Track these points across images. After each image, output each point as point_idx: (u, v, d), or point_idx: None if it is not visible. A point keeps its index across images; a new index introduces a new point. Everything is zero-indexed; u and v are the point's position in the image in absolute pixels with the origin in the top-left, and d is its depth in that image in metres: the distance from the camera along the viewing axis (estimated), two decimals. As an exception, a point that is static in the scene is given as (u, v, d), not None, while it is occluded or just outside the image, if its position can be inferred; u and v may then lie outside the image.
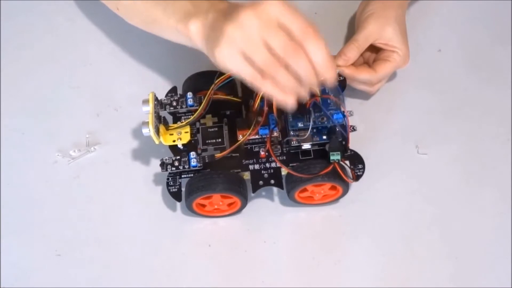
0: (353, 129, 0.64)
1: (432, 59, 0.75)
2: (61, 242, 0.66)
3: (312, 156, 0.64)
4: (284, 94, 0.53)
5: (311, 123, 0.62)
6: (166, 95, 0.67)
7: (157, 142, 0.62)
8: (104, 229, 0.67)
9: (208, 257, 0.66)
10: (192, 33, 0.56)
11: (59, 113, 0.73)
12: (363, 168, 0.63)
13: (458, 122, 0.71)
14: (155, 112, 0.62)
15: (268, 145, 0.63)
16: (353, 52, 0.66)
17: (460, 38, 0.76)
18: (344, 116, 0.62)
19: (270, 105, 0.63)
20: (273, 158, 0.62)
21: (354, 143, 0.63)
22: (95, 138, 0.71)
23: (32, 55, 0.76)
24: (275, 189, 0.67)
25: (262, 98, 0.62)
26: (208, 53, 0.55)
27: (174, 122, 0.66)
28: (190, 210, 0.65)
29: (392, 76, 0.73)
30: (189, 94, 0.65)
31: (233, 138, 0.64)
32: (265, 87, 0.53)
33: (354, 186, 0.65)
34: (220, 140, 0.65)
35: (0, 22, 0.78)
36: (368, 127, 0.69)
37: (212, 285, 0.64)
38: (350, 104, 0.69)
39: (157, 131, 0.62)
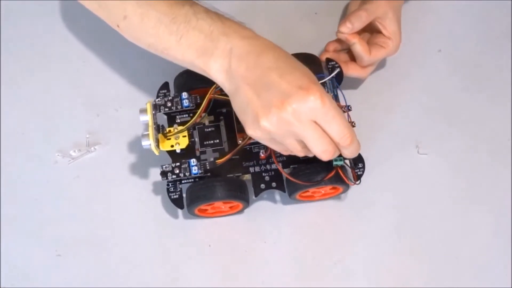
0: (353, 125, 0.63)
1: (432, 59, 0.75)
2: (61, 242, 0.66)
3: (313, 156, 0.64)
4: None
5: None
6: (158, 92, 0.65)
7: (157, 153, 0.61)
8: (104, 229, 0.67)
9: (208, 257, 0.66)
10: (212, 73, 0.55)
11: (59, 113, 0.73)
12: (363, 167, 0.63)
13: (458, 122, 0.71)
14: (154, 123, 0.61)
15: (270, 150, 0.62)
16: (359, 20, 0.67)
17: (460, 38, 0.76)
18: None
19: None
20: (276, 164, 0.62)
21: (354, 143, 0.63)
22: (95, 138, 0.71)
23: (32, 55, 0.76)
24: (283, 192, 0.67)
25: None
26: (236, 113, 0.55)
27: (169, 121, 0.65)
28: (192, 214, 0.65)
29: (393, 76, 0.73)
30: (184, 95, 0.63)
31: (231, 138, 0.64)
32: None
33: (354, 186, 0.65)
34: (218, 141, 0.64)
35: (0, 22, 0.78)
36: (368, 127, 0.69)
37: (212, 285, 0.64)
38: (350, 103, 0.69)
39: (157, 143, 0.61)
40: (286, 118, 0.51)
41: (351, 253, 0.66)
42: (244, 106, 0.53)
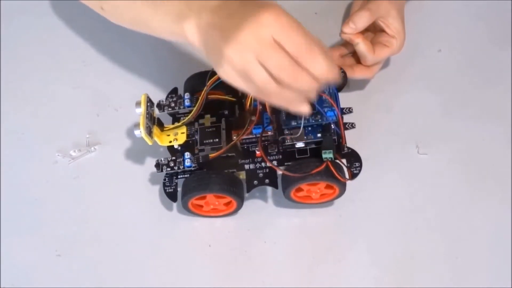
0: (352, 126, 0.63)
1: (432, 59, 0.75)
2: (61, 242, 0.66)
3: (309, 155, 0.63)
4: (291, 105, 0.53)
5: (303, 121, 0.62)
6: (167, 97, 0.67)
7: (149, 143, 0.62)
8: (104, 229, 0.67)
9: (208, 257, 0.66)
10: (188, 34, 0.55)
11: (59, 113, 0.73)
12: (360, 166, 0.62)
13: (458, 122, 0.71)
14: (147, 113, 0.62)
15: (259, 145, 0.62)
16: (362, 20, 0.67)
17: (460, 38, 0.76)
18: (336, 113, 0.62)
19: (263, 104, 0.63)
20: (264, 158, 0.62)
21: (354, 143, 0.63)
22: (95, 138, 0.71)
23: (32, 55, 0.76)
24: (275, 188, 0.67)
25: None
26: (208, 59, 0.54)
27: (174, 122, 0.66)
28: (187, 210, 0.65)
29: (393, 76, 0.73)
30: (186, 95, 0.65)
31: (230, 138, 0.64)
32: (270, 101, 0.54)
33: (354, 186, 0.65)
34: (217, 140, 0.64)
35: (0, 22, 0.78)
36: (368, 127, 0.69)
37: (212, 285, 0.64)
38: (350, 103, 0.70)
39: (150, 132, 0.61)
40: (246, 40, 0.50)
41: (351, 253, 0.65)
42: (212, 47, 0.53)
